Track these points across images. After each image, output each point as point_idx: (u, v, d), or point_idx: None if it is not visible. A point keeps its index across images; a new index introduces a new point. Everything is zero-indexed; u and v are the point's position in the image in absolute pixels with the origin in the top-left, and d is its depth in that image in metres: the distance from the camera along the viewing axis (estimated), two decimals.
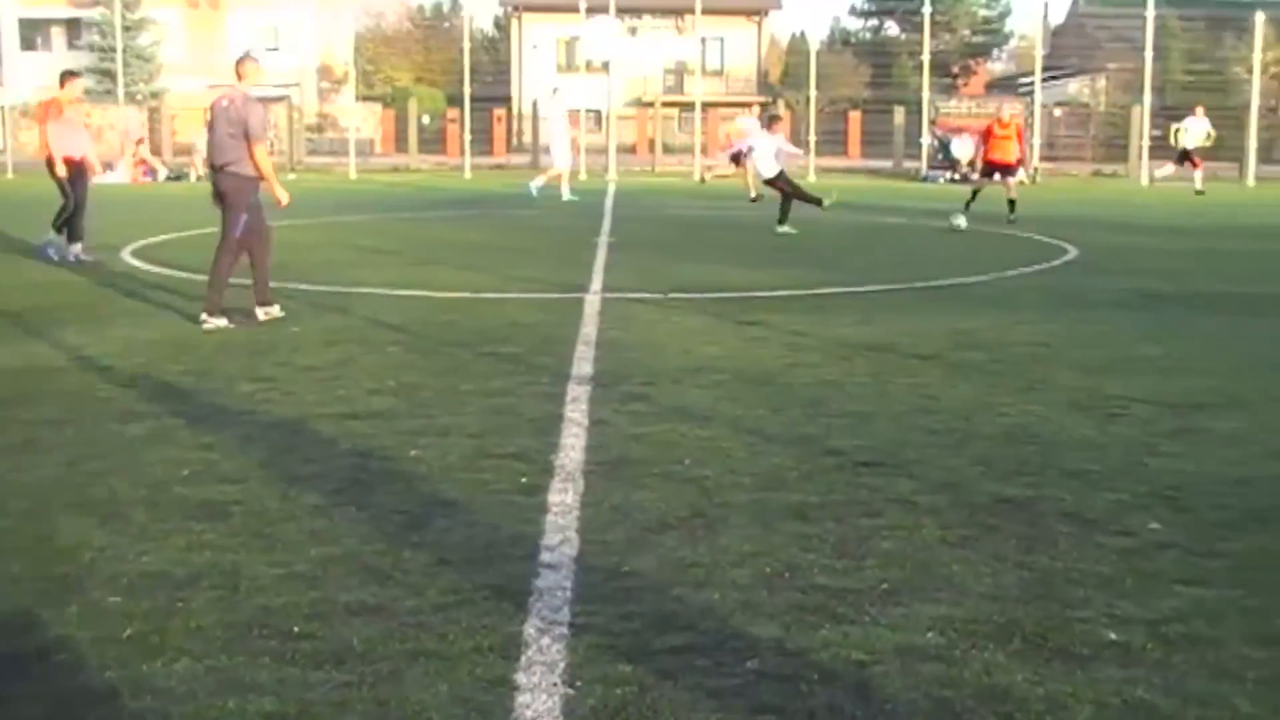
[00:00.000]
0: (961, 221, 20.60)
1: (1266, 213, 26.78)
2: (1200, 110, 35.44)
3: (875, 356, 9.54)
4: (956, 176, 38.26)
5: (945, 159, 40.34)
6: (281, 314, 11.05)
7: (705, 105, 46.45)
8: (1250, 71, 42.33)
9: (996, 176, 23.11)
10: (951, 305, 12.40)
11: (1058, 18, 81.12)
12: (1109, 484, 6.17)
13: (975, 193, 22.87)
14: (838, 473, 6.33)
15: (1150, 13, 39.18)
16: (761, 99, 65.42)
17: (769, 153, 21.21)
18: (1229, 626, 4.46)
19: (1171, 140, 35.54)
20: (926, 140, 41.24)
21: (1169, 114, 41.80)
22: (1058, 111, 54.25)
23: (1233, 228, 22.86)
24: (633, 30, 65.63)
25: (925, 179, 39.38)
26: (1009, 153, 23.26)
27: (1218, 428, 7.41)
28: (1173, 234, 21.22)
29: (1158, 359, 9.65)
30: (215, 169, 10.95)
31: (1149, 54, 40.05)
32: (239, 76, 11.02)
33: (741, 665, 4.09)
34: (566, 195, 28.03)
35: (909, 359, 9.48)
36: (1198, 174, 33.80)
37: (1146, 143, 39.73)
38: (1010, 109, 31.88)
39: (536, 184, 28.95)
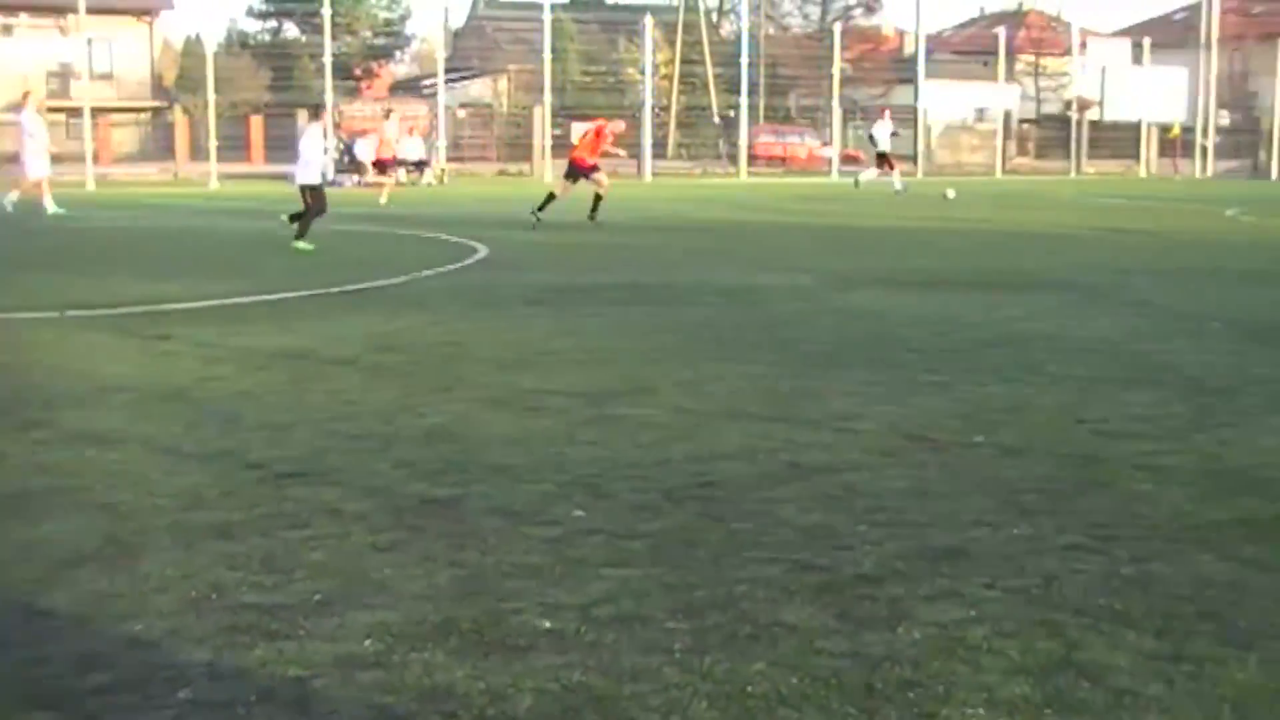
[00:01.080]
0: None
1: (664, 206, 28.35)
2: (887, 113, 36.71)
3: (292, 364, 9.36)
4: (362, 180, 38.33)
5: (351, 162, 40.30)
6: None
7: (95, 110, 44.36)
8: (642, 73, 44.78)
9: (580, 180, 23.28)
10: (368, 309, 12.37)
11: (458, 20, 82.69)
12: (532, 476, 6.30)
13: (548, 198, 22.90)
14: (260, 486, 6.14)
15: (547, 15, 40.72)
16: (157, 104, 63.26)
17: (314, 152, 19.30)
18: (654, 603, 4.63)
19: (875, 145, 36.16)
20: (332, 144, 41.05)
21: (568, 114, 43.55)
22: (462, 113, 55.40)
23: (635, 223, 24.03)
24: (7, 29, 61.69)
25: (332, 183, 39.18)
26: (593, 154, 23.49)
27: (630, 414, 7.73)
28: (574, 230, 22.06)
29: (569, 351, 9.98)
30: None
31: (547, 55, 41.62)
32: None
33: (173, 696, 3.87)
34: (51, 209, 25.62)
35: (327, 365, 9.36)
36: (895, 174, 35.14)
37: (548, 142, 41.24)
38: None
39: (9, 198, 25.83)
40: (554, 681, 3.98)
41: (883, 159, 35.36)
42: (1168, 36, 60.68)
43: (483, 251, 17.81)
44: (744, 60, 44.87)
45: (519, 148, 49.39)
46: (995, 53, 53.18)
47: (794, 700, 3.89)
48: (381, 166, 31.50)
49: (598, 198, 23.03)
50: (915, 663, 4.15)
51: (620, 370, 9.17)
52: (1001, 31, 54.07)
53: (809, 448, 6.95)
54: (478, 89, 67.42)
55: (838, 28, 51.64)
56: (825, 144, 50.03)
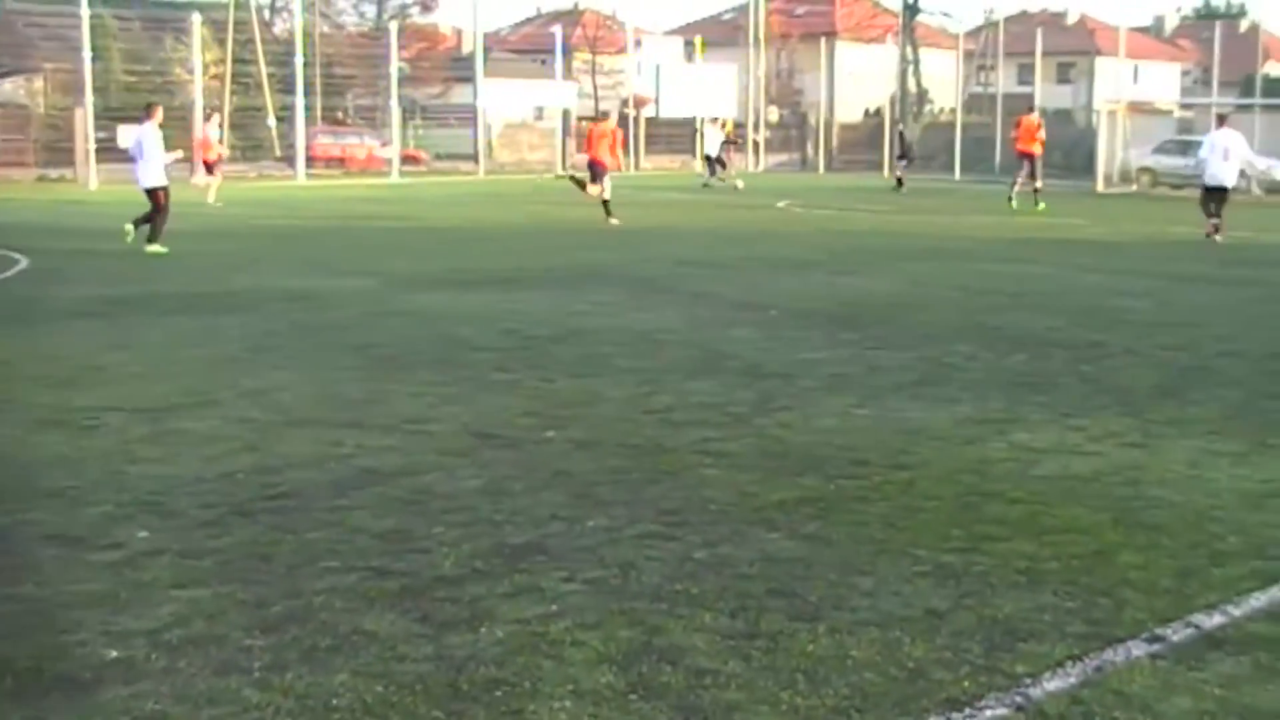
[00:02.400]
0: None
1: (220, 210, 27.53)
2: (717, 124, 41.98)
3: None
4: None
5: None
6: None
7: None
8: (191, 73, 43.30)
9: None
10: None
11: None
12: (91, 498, 5.99)
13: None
14: None
15: (85, 12, 38.80)
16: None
17: (158, 150, 18.37)
18: (229, 622, 4.49)
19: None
20: None
21: (113, 115, 41.62)
22: None
23: (191, 229, 23.18)
24: None
25: None
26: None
27: (194, 428, 7.45)
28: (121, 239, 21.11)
29: (124, 365, 9.53)
30: None
31: (87, 54, 39.64)
32: None
33: None
34: None
35: None
36: (730, 171, 38.86)
37: (92, 145, 39.35)
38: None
39: None
40: (125, 714, 3.81)
41: (712, 163, 38.97)
42: (718, 35, 63.31)
43: (23, 263, 16.79)
44: (298, 59, 44.07)
45: (59, 152, 46.71)
46: (552, 51, 54.09)
47: (379, 709, 3.84)
48: (208, 167, 30.19)
49: (582, 184, 24.48)
50: (500, 661, 4.17)
51: (180, 382, 8.82)
52: (558, 30, 55.00)
53: (381, 452, 6.88)
54: (9, 89, 63.62)
55: (394, 26, 51.34)
56: (385, 144, 49.61)
